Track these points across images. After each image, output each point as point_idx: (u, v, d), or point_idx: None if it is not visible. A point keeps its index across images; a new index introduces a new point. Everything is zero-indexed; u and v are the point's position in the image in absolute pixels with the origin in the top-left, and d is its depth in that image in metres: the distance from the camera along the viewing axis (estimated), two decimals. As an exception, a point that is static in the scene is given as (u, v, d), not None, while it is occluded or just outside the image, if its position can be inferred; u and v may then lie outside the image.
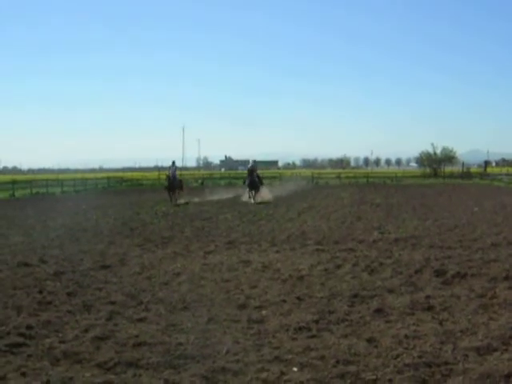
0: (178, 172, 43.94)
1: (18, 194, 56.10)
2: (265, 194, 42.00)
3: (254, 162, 42.76)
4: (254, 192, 39.42)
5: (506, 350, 7.92)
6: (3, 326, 9.31)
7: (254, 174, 39.73)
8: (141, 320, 9.70)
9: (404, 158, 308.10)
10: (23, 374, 7.29)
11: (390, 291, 11.47)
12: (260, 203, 37.34)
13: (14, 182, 61.98)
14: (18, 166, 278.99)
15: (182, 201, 39.53)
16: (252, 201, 38.49)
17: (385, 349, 8.05)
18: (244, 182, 41.87)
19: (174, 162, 41.08)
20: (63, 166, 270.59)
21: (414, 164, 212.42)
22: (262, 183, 41.75)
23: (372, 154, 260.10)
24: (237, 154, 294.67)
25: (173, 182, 39.11)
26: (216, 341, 8.51)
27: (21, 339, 8.65)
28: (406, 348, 8.05)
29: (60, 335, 8.88)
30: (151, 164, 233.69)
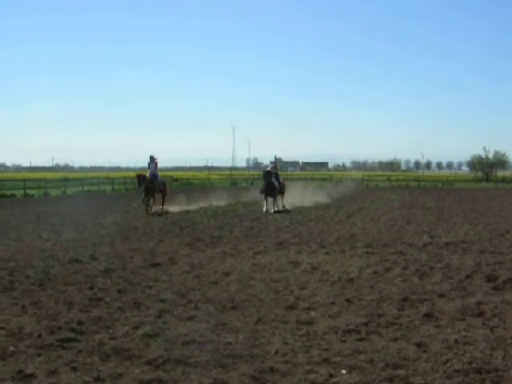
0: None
1: (69, 191, 56.82)
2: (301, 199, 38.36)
3: (275, 160, 35.64)
4: (270, 200, 32.51)
5: (559, 357, 7.80)
6: (55, 321, 9.46)
7: (272, 177, 32.96)
8: (190, 318, 9.76)
9: (455, 161, 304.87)
10: (74, 369, 7.39)
11: (441, 296, 11.36)
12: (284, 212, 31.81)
13: (66, 180, 62.79)
14: (70, 164, 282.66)
15: (162, 208, 32.24)
16: (270, 210, 31.92)
17: (434, 354, 7.97)
18: (262, 190, 33.45)
19: (152, 158, 32.00)
20: (114, 164, 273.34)
21: (465, 168, 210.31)
22: (283, 192, 34.33)
23: (423, 157, 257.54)
24: (287, 155, 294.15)
25: (151, 182, 31.10)
26: (265, 341, 8.53)
27: (72, 334, 8.77)
28: (456, 353, 7.96)
29: (110, 331, 8.99)
30: (201, 164, 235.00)
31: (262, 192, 33.41)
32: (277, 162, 35.99)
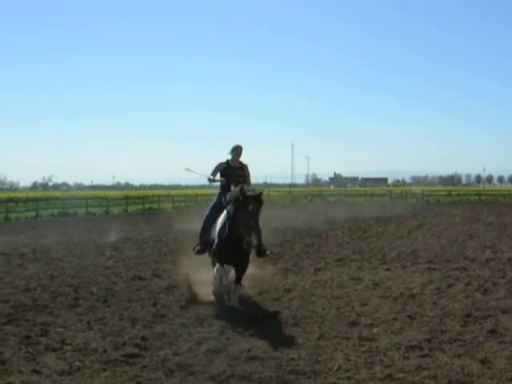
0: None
1: (130, 209, 57.43)
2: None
3: (237, 149, 12.81)
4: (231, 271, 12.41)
5: None
6: (119, 337, 9.60)
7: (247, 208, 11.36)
8: (253, 335, 9.79)
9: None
10: (138, 384, 7.50)
11: (505, 312, 11.20)
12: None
13: (127, 198, 63.52)
14: (130, 182, 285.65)
15: None
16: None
17: (499, 370, 7.88)
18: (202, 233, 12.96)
19: None
20: (174, 181, 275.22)
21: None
22: (261, 248, 12.51)
23: (484, 170, 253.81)
24: (346, 171, 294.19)
25: None
26: (327, 357, 8.52)
27: (136, 350, 8.88)
28: (521, 370, 7.85)
29: (174, 347, 9.07)
30: (260, 180, 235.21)
31: (200, 251, 13.15)
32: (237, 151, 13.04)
